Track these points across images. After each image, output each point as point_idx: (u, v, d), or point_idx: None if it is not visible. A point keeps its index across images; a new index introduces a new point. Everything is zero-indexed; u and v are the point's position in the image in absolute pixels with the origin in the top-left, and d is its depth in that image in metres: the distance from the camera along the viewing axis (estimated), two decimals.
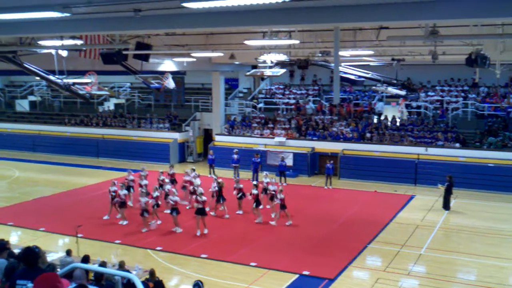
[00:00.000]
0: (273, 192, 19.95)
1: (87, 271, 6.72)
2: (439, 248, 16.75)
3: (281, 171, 26.11)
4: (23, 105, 39.96)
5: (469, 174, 24.67)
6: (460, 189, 23.41)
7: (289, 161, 27.81)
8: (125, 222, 19.07)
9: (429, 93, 30.42)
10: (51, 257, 12.84)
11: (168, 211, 18.97)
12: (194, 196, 19.38)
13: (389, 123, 29.13)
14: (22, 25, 12.82)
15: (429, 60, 20.01)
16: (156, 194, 19.08)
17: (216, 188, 20.26)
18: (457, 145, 25.93)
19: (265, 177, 21.51)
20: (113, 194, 19.38)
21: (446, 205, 21.33)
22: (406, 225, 19.29)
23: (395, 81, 26.89)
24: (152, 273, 11.54)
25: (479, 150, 25.39)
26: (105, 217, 19.64)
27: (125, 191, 19.61)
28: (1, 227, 18.69)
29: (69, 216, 19.80)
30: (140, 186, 20.79)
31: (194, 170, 22.12)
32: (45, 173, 29.25)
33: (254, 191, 19.32)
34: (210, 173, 26.82)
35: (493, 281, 14.05)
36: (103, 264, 11.38)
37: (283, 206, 18.77)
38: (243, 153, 27.65)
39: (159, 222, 18.85)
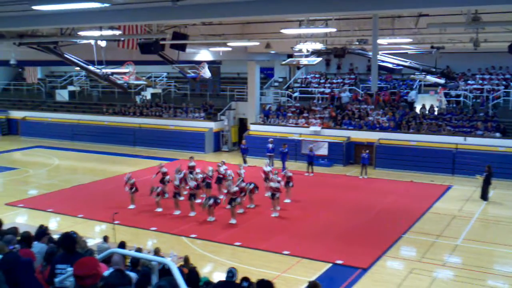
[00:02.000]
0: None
1: (124, 257, 6.87)
2: (476, 239, 16.47)
3: (309, 161, 26.03)
4: (62, 95, 40.75)
5: (508, 164, 24.12)
6: (499, 180, 22.94)
7: (324, 151, 27.71)
8: (159, 209, 19.42)
9: (469, 82, 29.76)
10: (88, 243, 13.11)
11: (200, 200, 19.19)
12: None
13: (427, 112, 28.66)
14: (63, 16, 13.00)
15: (470, 48, 19.52)
16: (177, 182, 19.34)
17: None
18: (497, 134, 25.34)
19: (266, 166, 21.93)
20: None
21: (485, 196, 20.91)
22: (442, 215, 19.01)
23: (434, 70, 26.37)
24: (186, 259, 11.70)
25: None
26: (131, 207, 19.85)
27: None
28: (41, 213, 19.24)
29: (106, 203, 20.20)
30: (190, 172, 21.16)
31: (224, 162, 22.28)
32: (84, 161, 29.92)
33: (275, 184, 19.10)
34: (244, 162, 26.94)
35: None
36: (139, 250, 11.58)
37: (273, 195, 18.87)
38: (278, 142, 27.64)
39: (192, 213, 18.86)
